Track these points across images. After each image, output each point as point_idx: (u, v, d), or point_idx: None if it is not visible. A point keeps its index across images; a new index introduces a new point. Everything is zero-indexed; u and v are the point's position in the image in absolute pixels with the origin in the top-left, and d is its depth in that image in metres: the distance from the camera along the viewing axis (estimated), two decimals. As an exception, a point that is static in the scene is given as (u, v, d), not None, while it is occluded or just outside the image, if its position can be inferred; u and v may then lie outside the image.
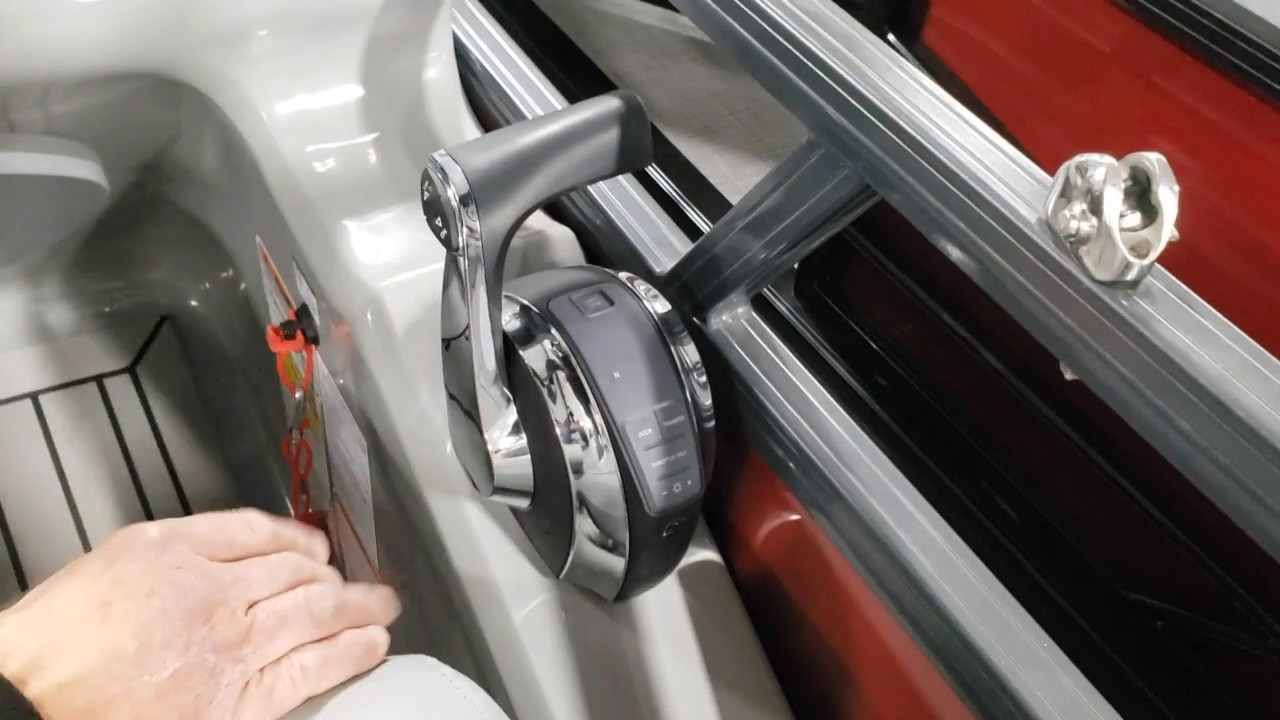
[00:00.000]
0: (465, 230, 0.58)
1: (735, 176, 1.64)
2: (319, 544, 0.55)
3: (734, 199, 0.75)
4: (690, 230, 0.79)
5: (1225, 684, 0.87)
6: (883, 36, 1.28)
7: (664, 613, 0.68)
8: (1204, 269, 0.92)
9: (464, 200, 0.57)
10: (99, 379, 1.25)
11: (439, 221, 0.59)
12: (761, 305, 0.71)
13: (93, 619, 0.43)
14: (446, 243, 0.59)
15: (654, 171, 0.94)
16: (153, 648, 0.43)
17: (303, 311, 0.90)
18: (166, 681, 0.43)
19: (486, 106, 0.89)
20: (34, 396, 1.23)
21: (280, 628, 0.48)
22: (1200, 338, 0.42)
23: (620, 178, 0.79)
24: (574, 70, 1.10)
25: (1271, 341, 0.43)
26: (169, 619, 0.43)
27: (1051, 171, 0.46)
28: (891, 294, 1.10)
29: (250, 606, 0.47)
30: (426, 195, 0.59)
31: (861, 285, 1.14)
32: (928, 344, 1.09)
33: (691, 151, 1.63)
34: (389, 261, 0.78)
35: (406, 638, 0.90)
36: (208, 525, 0.49)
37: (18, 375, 1.23)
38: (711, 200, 0.93)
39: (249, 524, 0.51)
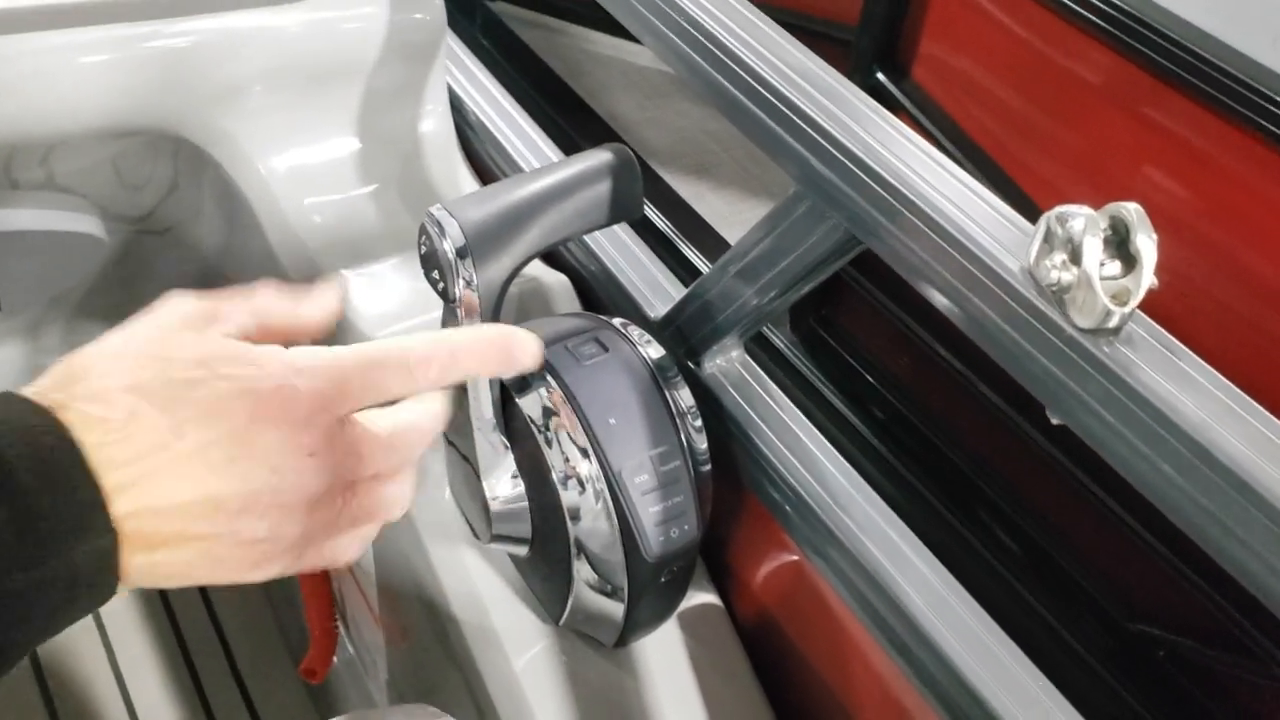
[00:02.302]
0: (461, 282, 0.59)
1: (730, 214, 1.66)
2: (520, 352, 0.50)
3: (730, 236, 0.76)
4: (686, 268, 0.80)
5: (1228, 714, 0.87)
6: (872, 74, 1.30)
7: (664, 658, 0.68)
8: (1195, 297, 0.93)
9: (460, 253, 0.58)
10: (101, 428, 1.26)
11: (436, 274, 0.60)
12: (758, 341, 0.72)
13: (214, 466, 0.42)
14: (443, 295, 0.60)
15: (649, 211, 0.95)
16: (251, 514, 0.43)
17: (302, 361, 0.91)
18: (247, 541, 0.44)
19: (482, 157, 0.91)
20: (36, 447, 1.23)
21: (371, 510, 0.47)
22: (1182, 384, 0.43)
23: (614, 225, 0.80)
24: (568, 112, 1.11)
25: (1258, 366, 0.44)
26: (278, 497, 0.43)
27: (1041, 207, 0.47)
28: (887, 328, 1.11)
29: (356, 485, 0.46)
30: (423, 249, 0.60)
31: (857, 320, 1.15)
32: (924, 377, 1.10)
33: (686, 190, 1.64)
34: (387, 311, 0.79)
35: (407, 685, 0.91)
36: (361, 378, 0.46)
37: (20, 427, 1.23)
38: (707, 238, 0.94)
39: (411, 369, 0.47)
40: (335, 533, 0.47)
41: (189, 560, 0.43)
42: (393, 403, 0.50)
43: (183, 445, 0.42)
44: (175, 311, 0.46)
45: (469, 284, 0.59)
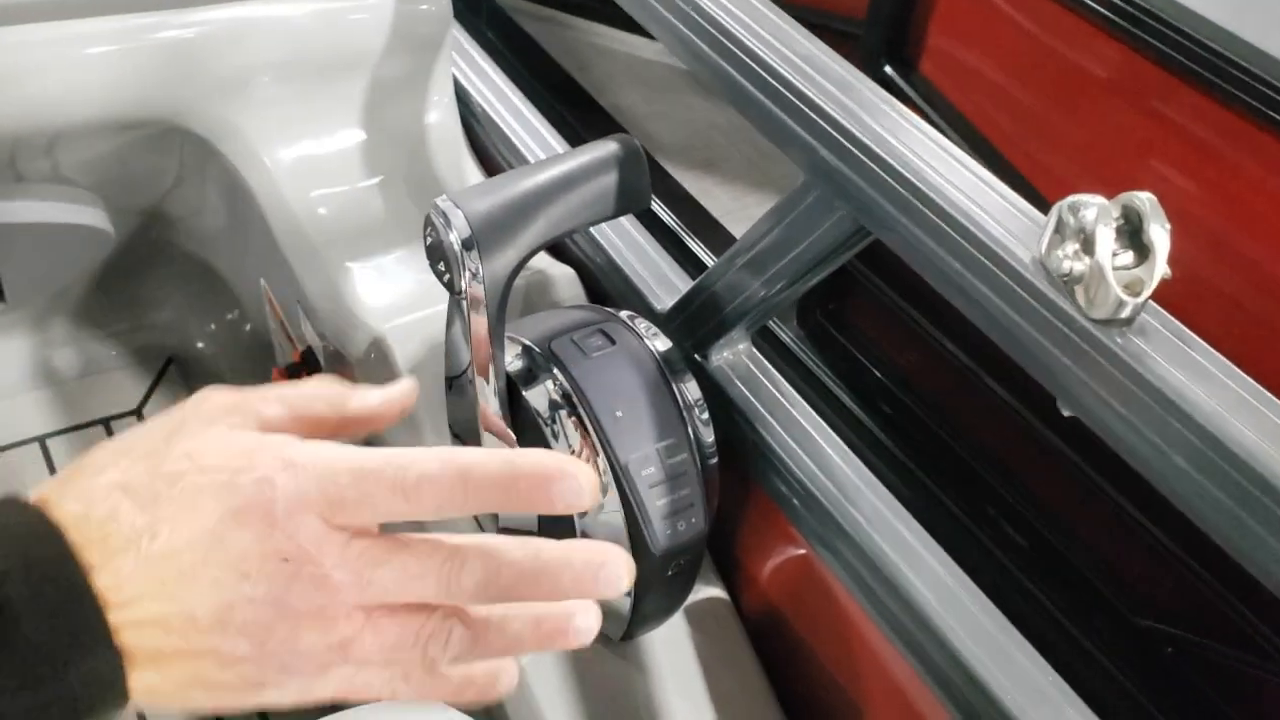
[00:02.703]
0: (468, 274, 0.58)
1: (736, 208, 1.65)
2: (561, 488, 0.39)
3: (736, 230, 0.76)
4: (692, 262, 0.80)
5: (1237, 709, 0.86)
6: (879, 68, 1.29)
7: (671, 651, 0.68)
8: (1203, 291, 0.93)
9: (466, 245, 0.58)
10: (106, 421, 1.26)
11: (442, 266, 0.60)
12: (764, 335, 0.72)
13: (184, 572, 0.39)
14: (449, 286, 0.60)
15: (656, 205, 0.94)
16: (227, 629, 0.39)
17: (308, 354, 0.90)
18: (233, 661, 0.40)
19: (488, 149, 0.90)
20: (42, 440, 1.23)
21: (383, 655, 0.41)
22: (1195, 374, 0.42)
23: (621, 217, 0.80)
24: (574, 106, 1.11)
25: (1268, 360, 0.44)
26: (252, 609, 0.39)
27: (1050, 201, 0.46)
28: (895, 322, 1.10)
29: (362, 608, 0.40)
30: (429, 240, 0.60)
31: (865, 314, 1.15)
32: (932, 371, 1.09)
33: (692, 184, 1.64)
34: (393, 303, 0.79)
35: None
36: (354, 490, 0.39)
37: (26, 419, 1.23)
38: (713, 232, 0.93)
39: (405, 491, 0.39)
40: (360, 661, 0.41)
41: (183, 680, 0.40)
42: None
43: (154, 546, 0.39)
44: (201, 404, 0.42)
45: (475, 275, 0.59)
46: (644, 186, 0.63)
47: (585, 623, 0.41)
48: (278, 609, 0.39)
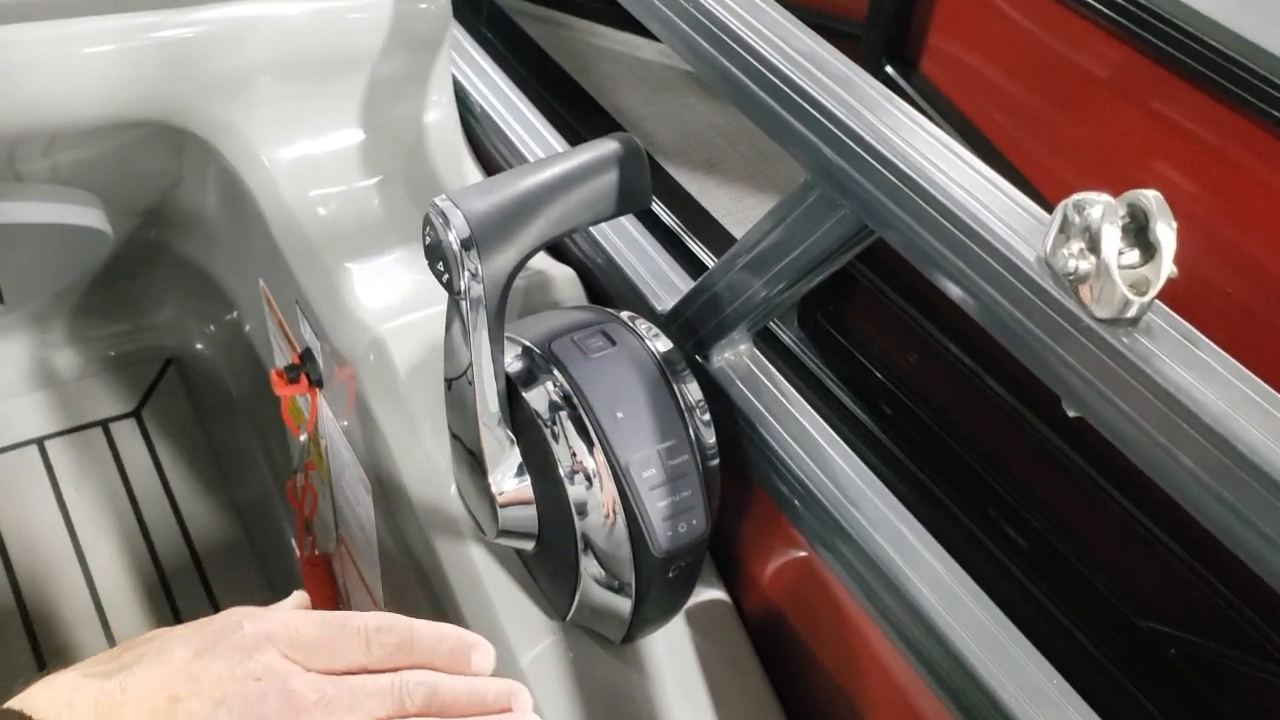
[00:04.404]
0: (467, 274, 0.58)
1: (737, 209, 1.65)
2: (479, 655, 0.47)
3: (736, 231, 0.76)
4: (692, 263, 0.79)
5: (1240, 711, 0.86)
6: (880, 68, 1.29)
7: (672, 654, 0.68)
8: (1208, 293, 0.92)
9: (465, 244, 0.57)
10: (104, 423, 1.25)
11: (441, 266, 0.59)
12: (765, 337, 0.71)
13: (159, 710, 0.42)
14: (448, 286, 0.59)
15: (656, 206, 0.94)
16: None
17: (306, 355, 0.90)
18: None
19: (487, 148, 0.90)
20: (40, 442, 1.23)
21: None
22: (1202, 374, 0.42)
23: (621, 217, 0.80)
24: (574, 106, 1.11)
25: (1272, 359, 0.43)
26: None
27: (1052, 201, 0.46)
28: (896, 323, 1.10)
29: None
30: (428, 240, 0.59)
31: (865, 315, 1.15)
32: (933, 373, 1.09)
33: (693, 185, 1.64)
34: (391, 304, 0.78)
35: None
36: (316, 631, 0.45)
37: (24, 421, 1.23)
38: (713, 233, 0.93)
39: (367, 638, 0.46)
40: None
41: None
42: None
43: (127, 697, 0.42)
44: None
45: (474, 276, 0.58)
46: (645, 185, 0.63)
47: None
48: None
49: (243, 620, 0.44)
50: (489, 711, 0.47)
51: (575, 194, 0.61)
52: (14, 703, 0.42)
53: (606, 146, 0.62)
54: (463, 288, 0.58)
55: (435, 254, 0.59)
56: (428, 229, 0.59)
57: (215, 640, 0.44)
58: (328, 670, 0.45)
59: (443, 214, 0.58)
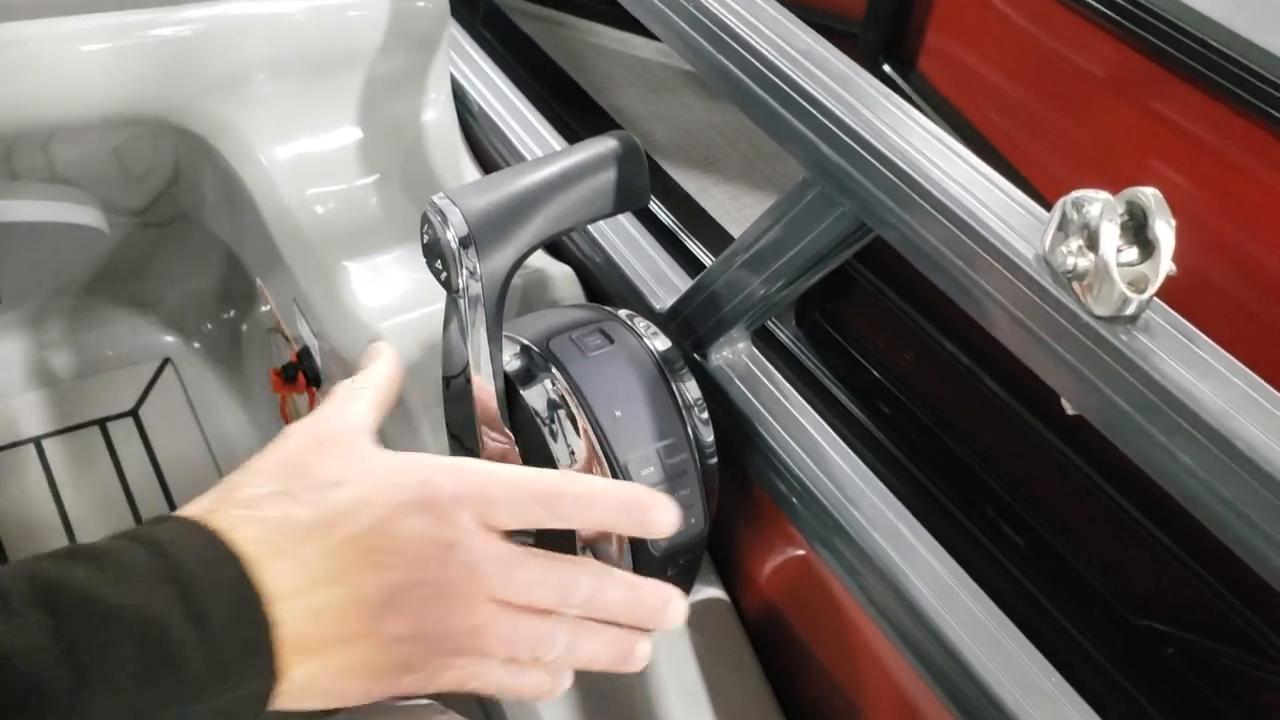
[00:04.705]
0: (465, 272, 0.58)
1: (734, 208, 1.65)
2: (657, 514, 0.49)
3: (734, 230, 0.75)
4: (690, 262, 0.79)
5: (1237, 710, 0.86)
6: (878, 66, 1.29)
7: (671, 652, 0.68)
8: (1206, 290, 0.93)
9: (463, 242, 0.57)
10: (102, 422, 1.25)
11: (439, 264, 0.59)
12: (763, 335, 0.71)
13: (359, 558, 0.44)
14: (446, 284, 0.59)
15: (654, 205, 0.94)
16: (394, 610, 0.44)
17: (304, 354, 0.90)
18: (393, 641, 0.44)
19: (485, 147, 0.90)
20: (37, 441, 1.23)
21: (503, 649, 0.46)
22: (1200, 372, 0.42)
23: (619, 215, 0.80)
24: (572, 106, 1.11)
25: (1270, 357, 0.43)
26: (417, 591, 0.44)
27: (1049, 200, 0.46)
28: (894, 322, 1.10)
29: (495, 601, 0.46)
30: (426, 238, 0.59)
31: (864, 314, 1.15)
32: (931, 371, 1.09)
33: (690, 184, 1.64)
34: (390, 303, 0.78)
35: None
36: (503, 491, 0.47)
37: (21, 420, 1.23)
38: (711, 232, 0.93)
39: (551, 501, 0.47)
40: (483, 651, 0.46)
41: (343, 670, 0.44)
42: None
43: (332, 538, 0.44)
44: (321, 424, 0.49)
45: (472, 274, 0.58)
46: (643, 183, 0.63)
47: (644, 651, 0.50)
48: (439, 589, 0.45)
49: (440, 478, 0.46)
50: (641, 622, 0.49)
51: (573, 192, 0.61)
52: (214, 514, 0.44)
53: (604, 145, 0.62)
54: (461, 286, 0.58)
55: (433, 252, 0.59)
56: (426, 227, 0.59)
57: (412, 497, 0.45)
58: (511, 530, 0.47)
59: (441, 212, 0.58)
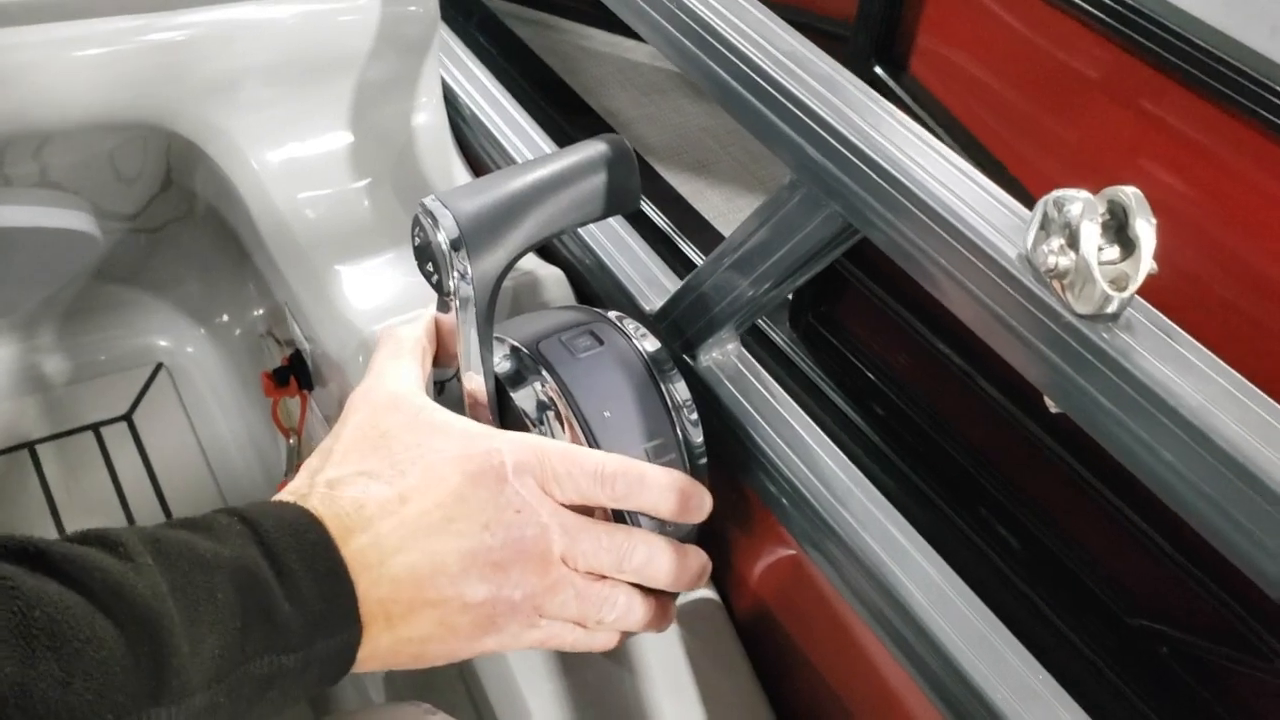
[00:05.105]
0: (456, 275, 0.58)
1: (728, 210, 1.65)
2: (696, 502, 0.56)
3: (727, 232, 0.76)
4: (682, 263, 0.80)
5: (1231, 709, 0.86)
6: (869, 69, 1.29)
7: (661, 652, 0.68)
8: (1191, 289, 0.93)
9: (454, 245, 0.58)
10: (95, 427, 1.25)
11: (430, 267, 0.59)
12: (756, 337, 0.71)
13: (434, 527, 0.47)
14: (438, 287, 0.60)
15: (648, 207, 0.94)
16: (471, 574, 0.47)
17: (296, 357, 0.90)
18: (473, 604, 0.48)
19: (476, 150, 0.90)
20: (31, 446, 1.23)
21: (575, 604, 0.51)
22: (1181, 368, 0.42)
23: (610, 219, 0.80)
24: (564, 108, 1.11)
25: (1259, 361, 0.43)
26: (492, 555, 0.48)
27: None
28: (886, 323, 1.10)
29: (564, 562, 0.50)
30: (417, 240, 0.59)
31: (856, 315, 1.15)
32: (924, 372, 1.09)
33: (684, 187, 1.64)
34: (381, 305, 0.79)
35: (403, 682, 0.90)
36: (563, 466, 0.51)
37: (14, 425, 1.23)
38: (705, 234, 0.94)
39: (606, 480, 0.52)
40: (558, 611, 0.50)
41: (426, 634, 0.47)
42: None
43: (406, 511, 0.47)
44: (369, 396, 0.53)
45: (463, 276, 0.58)
46: (634, 187, 0.63)
47: (671, 615, 0.57)
48: (512, 552, 0.48)
49: (502, 450, 0.50)
50: (683, 587, 0.56)
51: (565, 195, 0.61)
52: (297, 496, 0.47)
53: (595, 148, 0.62)
54: (452, 288, 0.59)
55: (424, 255, 0.59)
56: (416, 230, 0.59)
57: (480, 467, 0.49)
58: (570, 503, 0.51)
59: (431, 214, 0.58)
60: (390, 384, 0.53)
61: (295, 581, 0.43)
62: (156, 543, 0.42)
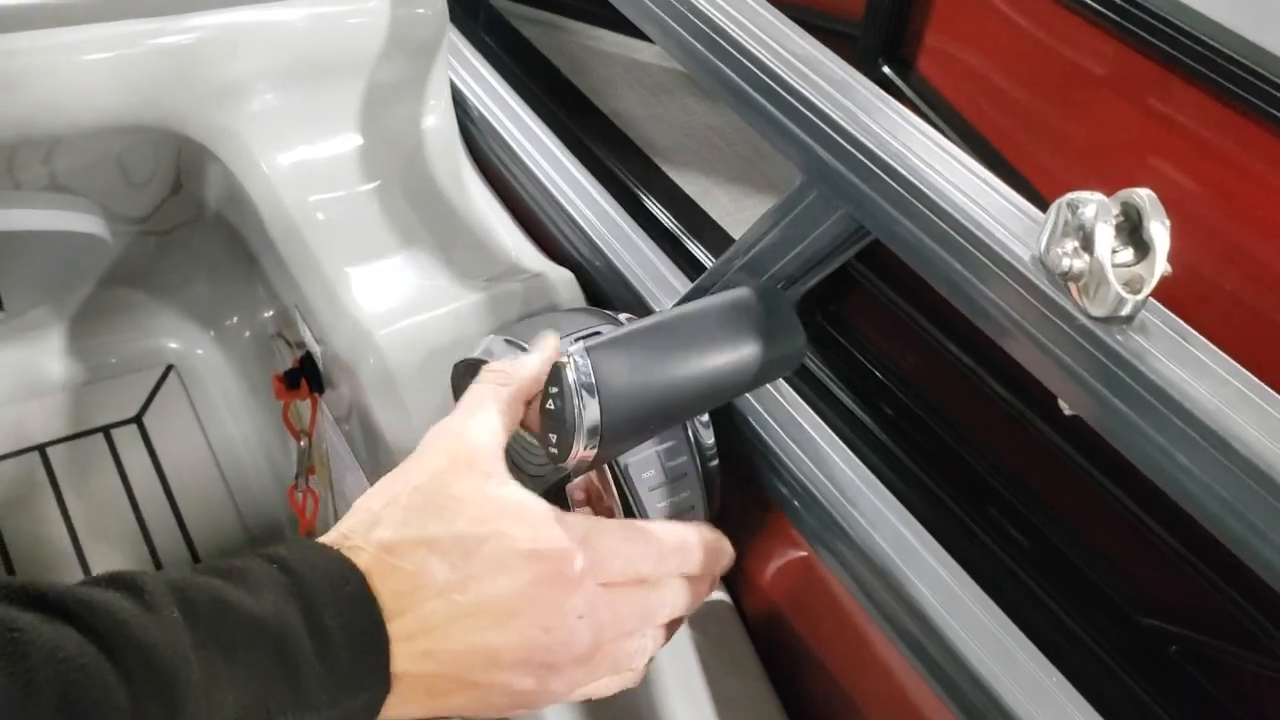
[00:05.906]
0: (575, 456, 0.52)
1: (735, 210, 1.65)
2: (726, 560, 0.57)
3: (735, 232, 0.76)
4: (691, 264, 0.79)
5: (1241, 708, 0.86)
6: (877, 68, 1.29)
7: (673, 654, 0.68)
8: (1204, 290, 0.92)
9: (591, 432, 0.52)
10: (106, 429, 1.26)
11: (553, 437, 0.53)
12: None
13: (494, 621, 0.46)
14: (551, 457, 0.53)
15: (654, 207, 0.94)
16: (522, 670, 0.47)
17: (306, 360, 0.90)
18: (517, 692, 0.48)
19: (485, 153, 0.90)
20: (42, 449, 1.23)
21: (609, 668, 0.51)
22: (1196, 371, 0.42)
23: (618, 215, 0.80)
24: (573, 109, 1.11)
25: (1269, 357, 0.43)
26: (548, 655, 0.47)
27: (1049, 201, 0.46)
28: (896, 323, 1.10)
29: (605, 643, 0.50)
30: (551, 405, 0.52)
31: (866, 315, 1.15)
32: (933, 372, 1.09)
33: (692, 187, 1.64)
34: (391, 308, 0.79)
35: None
36: (627, 551, 0.51)
37: (25, 428, 1.23)
38: (712, 234, 0.93)
39: (665, 561, 0.53)
40: (589, 681, 0.51)
41: (462, 705, 0.47)
42: None
43: (465, 599, 0.46)
44: (444, 450, 0.50)
45: (583, 458, 0.53)
46: (795, 351, 0.60)
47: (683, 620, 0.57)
48: (566, 655, 0.48)
49: (574, 554, 0.48)
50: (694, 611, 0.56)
51: (722, 394, 0.56)
52: (345, 546, 0.46)
53: (761, 326, 0.56)
54: (568, 466, 0.53)
55: (553, 424, 0.52)
56: (553, 391, 0.52)
57: (550, 572, 0.48)
58: (623, 580, 0.51)
59: (582, 392, 0.51)
60: (470, 436, 0.50)
61: (329, 640, 0.42)
62: (183, 591, 0.41)
